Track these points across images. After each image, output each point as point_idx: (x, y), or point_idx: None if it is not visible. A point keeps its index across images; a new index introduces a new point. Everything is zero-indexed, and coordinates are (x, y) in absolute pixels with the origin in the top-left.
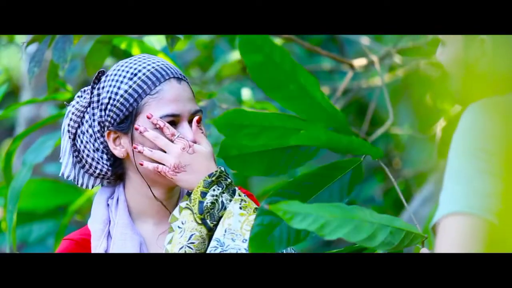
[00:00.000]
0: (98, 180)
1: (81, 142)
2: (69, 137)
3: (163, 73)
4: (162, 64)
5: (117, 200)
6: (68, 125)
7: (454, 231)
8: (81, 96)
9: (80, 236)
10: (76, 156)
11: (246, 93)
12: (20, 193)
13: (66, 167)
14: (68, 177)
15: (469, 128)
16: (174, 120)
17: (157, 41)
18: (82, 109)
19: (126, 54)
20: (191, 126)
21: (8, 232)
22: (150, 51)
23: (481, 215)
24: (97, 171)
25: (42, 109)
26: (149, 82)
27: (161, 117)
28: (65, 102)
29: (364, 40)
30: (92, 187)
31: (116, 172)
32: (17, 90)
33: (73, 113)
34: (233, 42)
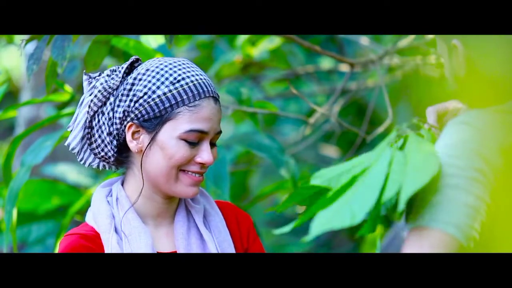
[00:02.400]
0: (97, 161)
1: (98, 121)
2: (88, 112)
3: (205, 89)
4: (205, 79)
5: (117, 197)
6: (91, 101)
7: (415, 244)
8: (110, 76)
9: (84, 231)
10: (88, 133)
11: (245, 93)
12: (19, 194)
13: (74, 139)
14: (73, 149)
15: (443, 145)
16: (200, 137)
17: (153, 39)
18: (110, 90)
19: (125, 54)
20: (210, 146)
21: (6, 232)
22: (147, 51)
23: (442, 229)
24: (102, 153)
25: (42, 109)
26: (190, 94)
27: (191, 130)
28: (84, 72)
29: (364, 40)
30: (89, 165)
31: (119, 160)
32: (16, 92)
33: (99, 91)
34: (233, 42)
